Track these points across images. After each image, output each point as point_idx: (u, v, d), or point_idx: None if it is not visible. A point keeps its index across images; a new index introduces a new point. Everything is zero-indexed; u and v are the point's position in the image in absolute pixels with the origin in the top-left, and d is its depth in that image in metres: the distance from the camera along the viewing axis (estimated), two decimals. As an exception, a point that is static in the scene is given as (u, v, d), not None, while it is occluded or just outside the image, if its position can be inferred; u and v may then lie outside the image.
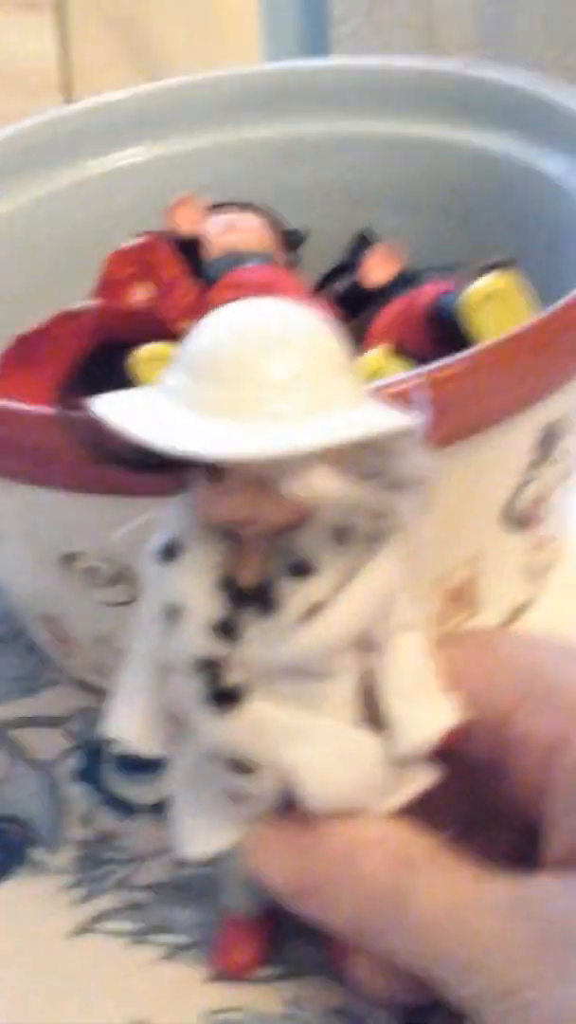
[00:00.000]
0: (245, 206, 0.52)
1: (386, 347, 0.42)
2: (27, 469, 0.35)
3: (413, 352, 0.42)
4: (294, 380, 0.26)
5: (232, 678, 0.29)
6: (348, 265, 0.51)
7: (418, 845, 0.30)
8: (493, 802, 0.33)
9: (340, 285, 0.50)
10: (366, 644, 0.29)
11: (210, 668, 0.29)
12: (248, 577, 0.28)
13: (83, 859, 0.39)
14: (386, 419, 0.26)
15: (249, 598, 0.28)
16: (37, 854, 0.40)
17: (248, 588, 0.28)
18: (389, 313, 0.45)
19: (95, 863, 0.39)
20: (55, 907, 0.38)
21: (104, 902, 0.38)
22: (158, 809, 0.40)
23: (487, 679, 0.31)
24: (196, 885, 0.38)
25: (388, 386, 0.32)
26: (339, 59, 0.54)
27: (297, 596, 0.28)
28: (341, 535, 0.28)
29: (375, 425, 0.26)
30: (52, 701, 0.45)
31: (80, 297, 0.46)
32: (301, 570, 0.28)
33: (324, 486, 0.26)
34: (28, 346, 0.44)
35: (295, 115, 0.53)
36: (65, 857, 0.39)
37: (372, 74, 0.52)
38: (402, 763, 0.30)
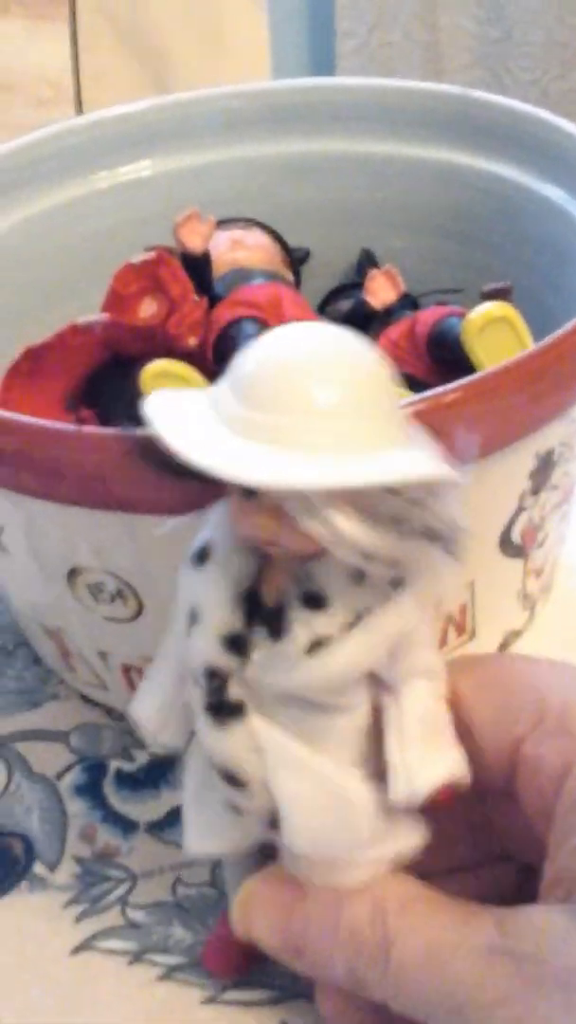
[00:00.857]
0: (250, 223, 0.52)
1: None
2: (35, 482, 0.35)
3: (411, 374, 0.42)
4: (335, 410, 0.25)
5: (235, 692, 0.29)
6: (350, 285, 0.51)
7: (398, 891, 0.30)
8: (502, 831, 0.33)
9: (344, 305, 0.50)
10: (379, 684, 0.29)
11: (216, 678, 0.29)
12: (269, 596, 0.28)
13: (83, 876, 0.39)
14: (420, 466, 0.26)
15: (264, 617, 0.28)
16: (38, 869, 0.40)
17: (266, 607, 0.28)
18: (391, 335, 0.45)
19: (95, 880, 0.39)
20: (55, 924, 0.38)
21: (103, 920, 0.38)
22: (158, 826, 0.40)
23: (499, 705, 0.30)
24: (194, 905, 0.38)
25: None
26: (345, 78, 0.55)
27: (305, 627, 0.28)
28: (359, 574, 0.27)
29: (405, 472, 0.25)
30: (54, 715, 0.45)
31: (88, 309, 0.46)
32: (313, 601, 0.28)
33: (339, 527, 0.25)
34: (37, 358, 0.45)
35: (301, 133, 0.53)
36: (65, 873, 0.40)
37: (377, 94, 0.52)
38: (393, 811, 0.30)
